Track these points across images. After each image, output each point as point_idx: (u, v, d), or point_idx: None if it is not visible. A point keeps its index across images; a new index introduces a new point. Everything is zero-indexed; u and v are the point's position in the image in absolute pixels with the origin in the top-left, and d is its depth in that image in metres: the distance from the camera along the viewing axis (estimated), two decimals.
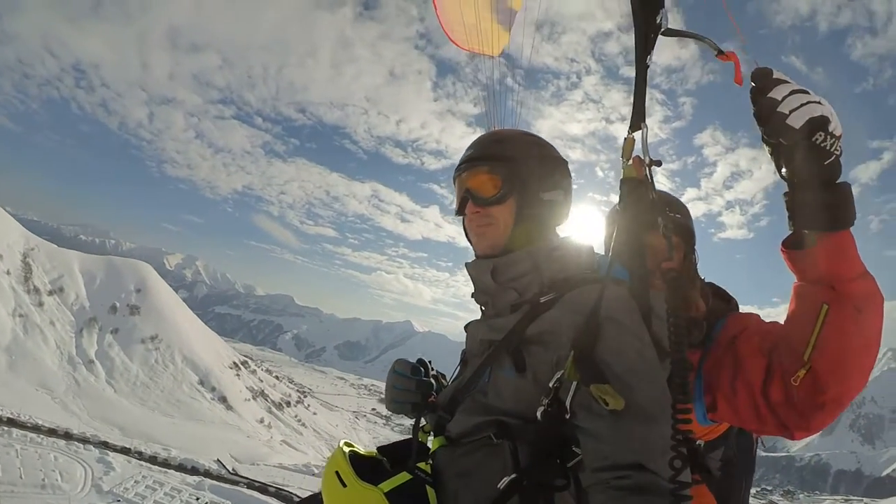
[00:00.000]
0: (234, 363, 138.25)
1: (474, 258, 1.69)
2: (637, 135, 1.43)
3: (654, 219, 1.46)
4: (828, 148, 1.23)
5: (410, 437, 1.65)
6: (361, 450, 1.62)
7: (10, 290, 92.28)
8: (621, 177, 1.47)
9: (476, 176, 1.61)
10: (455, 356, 1.81)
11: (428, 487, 1.47)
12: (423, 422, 1.67)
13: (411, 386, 1.75)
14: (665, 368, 1.31)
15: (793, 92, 1.23)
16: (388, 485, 1.41)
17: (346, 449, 1.57)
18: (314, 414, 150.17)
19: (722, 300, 2.02)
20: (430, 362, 1.87)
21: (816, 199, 1.27)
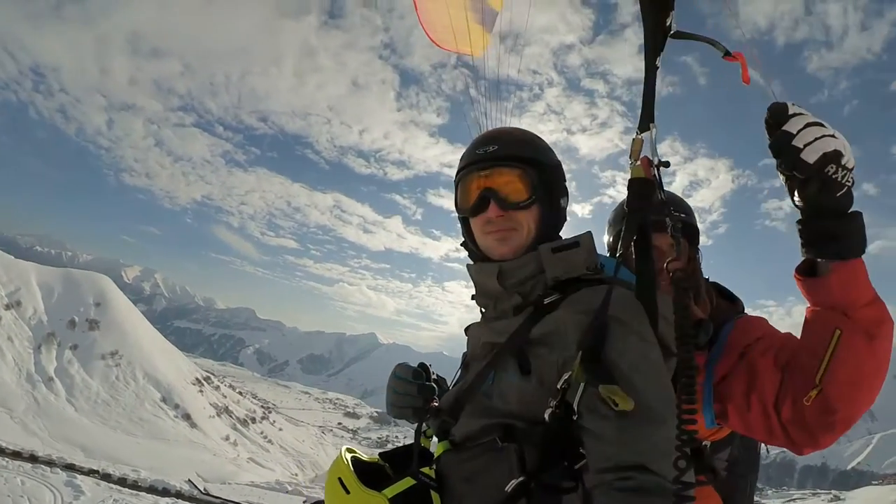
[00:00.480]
0: (197, 379, 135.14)
1: (476, 261, 1.66)
2: (645, 136, 1.44)
3: (663, 219, 1.50)
4: (840, 180, 1.26)
5: (412, 442, 1.61)
6: (364, 456, 1.59)
7: None
8: (629, 177, 1.46)
9: (504, 176, 1.55)
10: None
11: (432, 493, 1.44)
12: (424, 427, 1.63)
13: (413, 390, 1.70)
14: (670, 369, 1.34)
15: (807, 125, 1.24)
16: (391, 490, 1.39)
17: (349, 455, 1.54)
18: (280, 430, 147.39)
19: (727, 300, 2.04)
20: (430, 366, 1.82)
21: (829, 229, 1.31)
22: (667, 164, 1.44)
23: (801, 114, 1.26)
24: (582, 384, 1.23)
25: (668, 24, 1.40)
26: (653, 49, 1.42)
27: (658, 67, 1.43)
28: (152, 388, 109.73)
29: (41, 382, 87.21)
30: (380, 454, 1.62)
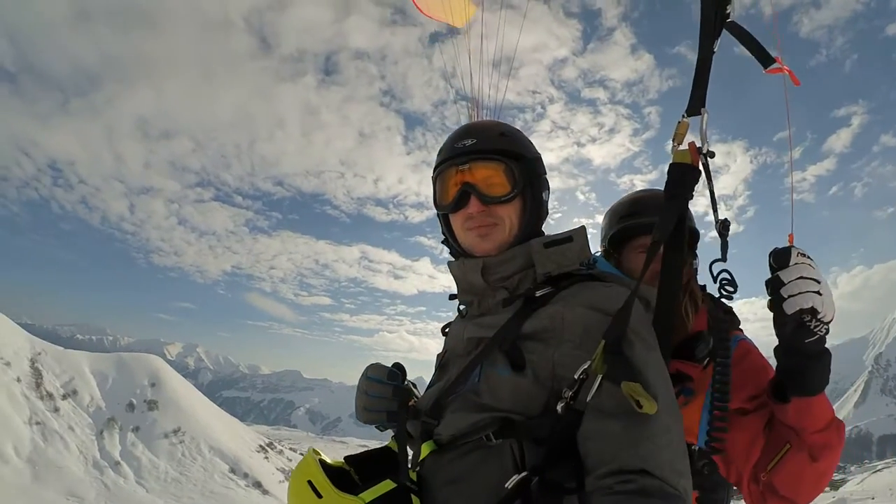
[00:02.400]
0: (261, 446, 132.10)
1: (459, 257, 1.59)
2: (693, 120, 1.39)
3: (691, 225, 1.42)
4: (812, 328, 1.38)
5: (381, 446, 1.53)
6: (329, 459, 1.45)
7: (23, 398, 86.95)
8: (671, 161, 1.39)
9: (483, 170, 1.48)
10: None
11: (413, 497, 1.34)
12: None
13: (387, 392, 1.57)
14: None
15: (799, 277, 1.35)
16: (369, 494, 1.27)
17: (317, 457, 1.41)
18: None
19: (724, 312, 1.92)
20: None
21: (794, 367, 1.46)
22: (712, 155, 1.41)
23: (798, 264, 1.37)
24: (599, 377, 1.17)
25: (727, 11, 1.40)
26: (710, 34, 1.39)
27: (715, 52, 1.41)
28: (219, 461, 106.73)
29: (108, 467, 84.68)
30: (345, 458, 1.49)
